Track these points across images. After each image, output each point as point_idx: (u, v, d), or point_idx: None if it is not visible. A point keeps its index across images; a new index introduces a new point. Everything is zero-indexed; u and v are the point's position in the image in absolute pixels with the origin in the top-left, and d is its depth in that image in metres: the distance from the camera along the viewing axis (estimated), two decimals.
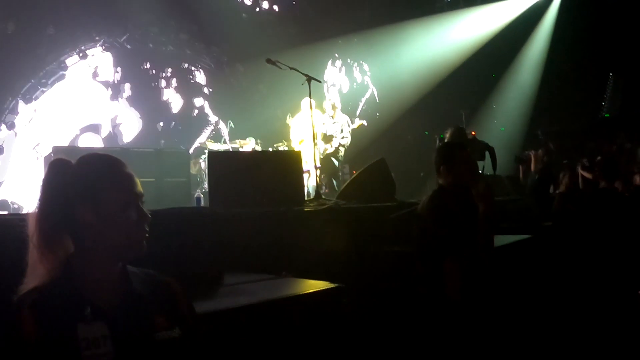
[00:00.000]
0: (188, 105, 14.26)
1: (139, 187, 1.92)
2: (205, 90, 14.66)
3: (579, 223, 7.29)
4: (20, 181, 11.10)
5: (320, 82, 7.88)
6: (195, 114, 14.35)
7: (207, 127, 13.95)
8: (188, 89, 14.34)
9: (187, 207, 7.45)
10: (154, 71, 13.84)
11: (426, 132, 16.10)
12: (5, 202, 10.39)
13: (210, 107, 14.53)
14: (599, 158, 12.34)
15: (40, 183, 1.86)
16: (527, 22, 17.42)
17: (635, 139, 16.60)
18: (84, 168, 1.88)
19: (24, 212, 9.83)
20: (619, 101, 17.19)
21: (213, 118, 14.28)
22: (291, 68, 7.51)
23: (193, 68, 14.60)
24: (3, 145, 11.04)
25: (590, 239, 6.99)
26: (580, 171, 11.21)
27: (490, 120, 17.90)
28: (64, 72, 12.09)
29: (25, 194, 10.85)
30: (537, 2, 17.34)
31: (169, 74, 14.04)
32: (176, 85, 14.13)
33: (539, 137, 15.49)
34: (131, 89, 13.16)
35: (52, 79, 11.92)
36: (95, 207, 1.80)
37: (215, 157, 6.58)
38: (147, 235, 1.90)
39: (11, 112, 11.27)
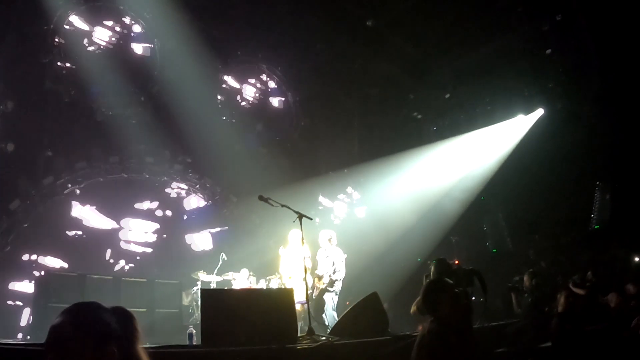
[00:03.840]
0: None
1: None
2: None
3: (578, 343, 7.24)
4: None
5: (311, 219, 8.03)
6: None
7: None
8: None
9: (180, 345, 7.35)
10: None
11: (419, 259, 16.09)
12: None
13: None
14: (589, 273, 12.44)
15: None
16: (510, 141, 17.71)
17: (627, 248, 16.65)
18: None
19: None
20: (608, 211, 17.27)
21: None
22: (283, 205, 7.69)
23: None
24: None
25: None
26: (572, 288, 11.23)
27: (482, 243, 17.94)
28: (60, 197, 12.30)
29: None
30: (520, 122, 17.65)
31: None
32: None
33: (530, 257, 15.54)
34: None
35: (48, 202, 12.11)
36: None
37: (208, 295, 6.60)
38: None
39: (5, 232, 11.32)
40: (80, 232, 12.66)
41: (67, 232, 12.46)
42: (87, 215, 12.91)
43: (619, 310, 9.58)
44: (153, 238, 13.94)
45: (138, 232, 13.75)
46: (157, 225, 14.07)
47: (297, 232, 9.02)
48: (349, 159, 17.11)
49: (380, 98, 17.70)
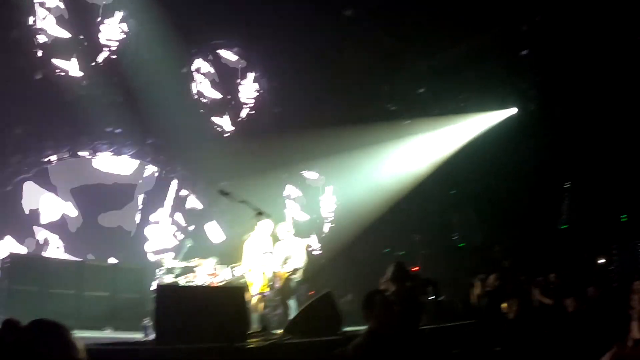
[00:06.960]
0: None
1: (82, 354, 2.14)
2: None
3: (528, 348, 7.38)
4: None
5: (269, 216, 8.08)
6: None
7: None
8: None
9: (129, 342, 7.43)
10: None
11: (387, 250, 16.18)
12: None
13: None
14: (551, 275, 12.59)
15: None
16: (481, 137, 17.74)
17: (592, 249, 16.89)
18: (34, 334, 2.10)
19: None
20: (576, 212, 17.43)
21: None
22: (241, 201, 7.72)
23: None
24: None
25: None
26: (540, 298, 11.37)
27: (449, 236, 18.05)
28: (28, 175, 12.24)
29: None
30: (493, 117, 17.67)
31: None
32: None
33: (495, 253, 15.68)
34: None
35: (18, 179, 12.06)
36: None
37: (163, 291, 6.64)
38: None
39: None
40: None
41: None
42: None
43: (576, 314, 9.74)
44: None
45: None
46: None
47: (267, 222, 9.04)
48: (320, 148, 17.03)
49: (354, 87, 17.59)
